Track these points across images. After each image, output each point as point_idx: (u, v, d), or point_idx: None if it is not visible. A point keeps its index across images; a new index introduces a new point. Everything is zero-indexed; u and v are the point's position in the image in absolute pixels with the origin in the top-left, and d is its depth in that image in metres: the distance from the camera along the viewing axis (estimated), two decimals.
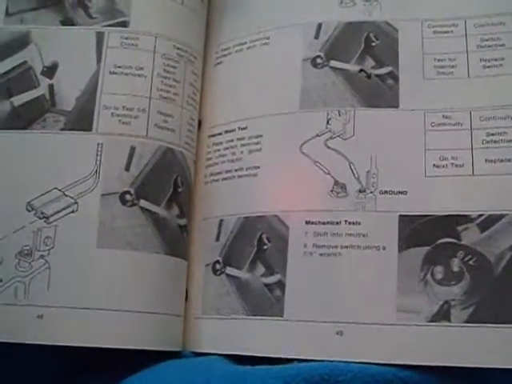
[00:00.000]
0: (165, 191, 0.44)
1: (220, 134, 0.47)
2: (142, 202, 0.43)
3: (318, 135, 0.43)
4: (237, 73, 0.48)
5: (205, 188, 0.47)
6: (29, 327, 0.40)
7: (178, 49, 0.47)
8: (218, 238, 0.45)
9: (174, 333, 0.44)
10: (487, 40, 0.43)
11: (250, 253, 0.43)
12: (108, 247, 0.42)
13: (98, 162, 0.43)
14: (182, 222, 0.45)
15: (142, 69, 0.45)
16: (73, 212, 0.42)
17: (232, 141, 0.46)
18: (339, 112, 0.43)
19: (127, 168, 0.43)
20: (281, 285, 0.42)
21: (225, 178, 0.46)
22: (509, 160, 0.40)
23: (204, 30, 0.50)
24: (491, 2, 0.44)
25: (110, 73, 0.44)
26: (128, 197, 0.43)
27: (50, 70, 0.45)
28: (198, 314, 0.45)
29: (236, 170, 0.45)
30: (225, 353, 0.42)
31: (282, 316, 0.41)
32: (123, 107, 0.44)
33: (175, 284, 0.44)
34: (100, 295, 0.41)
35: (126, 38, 0.45)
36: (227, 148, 0.46)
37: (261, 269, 0.43)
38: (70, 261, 0.41)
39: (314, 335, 0.40)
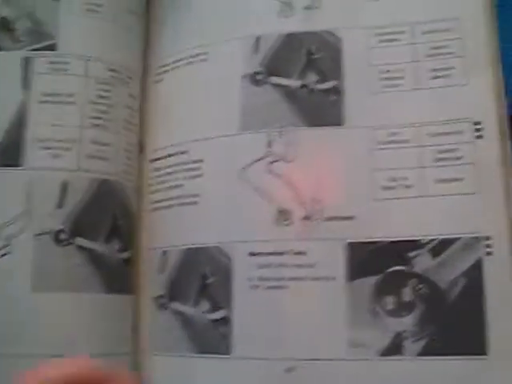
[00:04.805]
0: (102, 226, 0.42)
1: (161, 158, 0.44)
2: (78, 240, 0.41)
3: (259, 159, 0.41)
4: (176, 91, 0.45)
5: (149, 216, 0.44)
6: None
7: (112, 70, 0.44)
8: (162, 271, 0.43)
9: None
10: (436, 48, 0.40)
11: (193, 287, 0.41)
12: (44, 291, 0.40)
13: (28, 201, 0.40)
14: (125, 255, 0.43)
15: (72, 96, 0.42)
16: (4, 255, 0.40)
17: (173, 166, 0.43)
18: (280, 133, 0.41)
19: (60, 205, 0.41)
20: (227, 321, 0.39)
21: (166, 207, 0.43)
22: (461, 179, 0.38)
23: (141, 48, 0.47)
24: (436, 6, 0.40)
25: (39, 102, 0.42)
26: (62, 236, 0.40)
27: None
28: (148, 351, 0.43)
29: (177, 198, 0.43)
30: None
31: (229, 354, 0.39)
32: (53, 139, 0.41)
33: (119, 322, 0.42)
34: (40, 341, 0.39)
35: (55, 63, 0.43)
36: (168, 173, 0.43)
37: (205, 304, 0.40)
38: (3, 308, 0.39)
39: (263, 373, 0.38)
